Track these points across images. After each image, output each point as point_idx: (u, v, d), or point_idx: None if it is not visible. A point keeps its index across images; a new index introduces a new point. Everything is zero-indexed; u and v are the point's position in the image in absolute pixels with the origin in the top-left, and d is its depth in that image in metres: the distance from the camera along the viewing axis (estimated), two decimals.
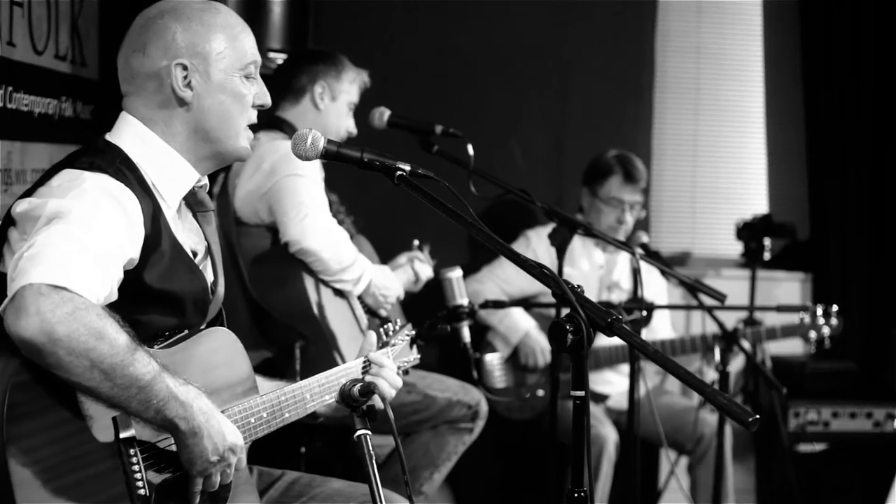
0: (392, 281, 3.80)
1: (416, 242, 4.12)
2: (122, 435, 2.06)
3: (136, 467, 2.08)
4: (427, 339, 2.89)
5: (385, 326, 2.75)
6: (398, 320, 2.82)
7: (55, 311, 1.94)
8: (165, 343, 2.26)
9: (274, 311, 3.57)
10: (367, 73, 3.92)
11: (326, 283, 3.65)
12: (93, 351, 1.97)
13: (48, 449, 1.99)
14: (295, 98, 3.81)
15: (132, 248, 2.18)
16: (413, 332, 2.84)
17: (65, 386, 2.01)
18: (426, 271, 4.04)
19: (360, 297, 3.78)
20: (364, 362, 2.63)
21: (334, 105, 3.84)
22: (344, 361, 3.53)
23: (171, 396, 2.07)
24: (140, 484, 2.08)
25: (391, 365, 2.64)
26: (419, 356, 2.88)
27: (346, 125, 3.86)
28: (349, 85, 3.85)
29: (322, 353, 3.54)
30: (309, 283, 3.62)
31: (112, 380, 2.00)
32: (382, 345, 2.72)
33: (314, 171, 3.69)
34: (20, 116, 3.20)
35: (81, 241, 2.05)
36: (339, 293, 3.70)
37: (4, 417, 1.93)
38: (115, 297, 2.13)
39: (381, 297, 3.77)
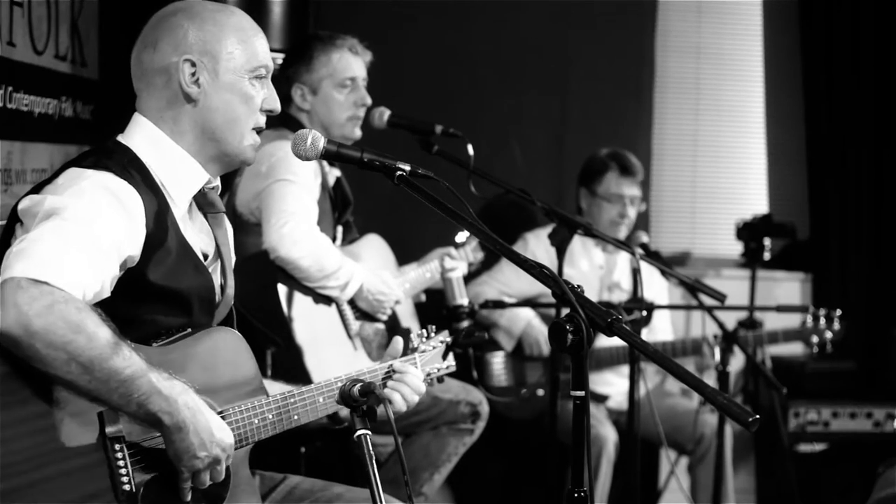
0: (389, 286, 3.77)
1: (461, 238, 4.11)
2: (108, 430, 2.07)
3: (121, 463, 2.08)
4: (462, 347, 2.85)
5: (419, 332, 2.71)
6: (433, 326, 2.78)
7: (32, 304, 1.95)
8: (166, 341, 2.26)
9: (251, 315, 3.55)
10: (350, 38, 3.81)
11: (311, 290, 3.64)
12: (70, 344, 1.98)
13: (26, 441, 1.99)
14: (287, 107, 3.78)
15: (131, 246, 2.18)
16: (449, 340, 2.79)
17: (45, 379, 2.02)
18: (453, 266, 3.98)
19: (354, 302, 3.76)
20: (387, 369, 2.59)
21: (319, 97, 3.79)
22: (311, 370, 3.53)
23: (153, 391, 2.07)
24: (125, 479, 2.08)
25: (416, 372, 2.58)
26: (454, 364, 2.81)
27: (342, 107, 3.77)
28: (327, 68, 3.77)
29: (293, 360, 3.53)
30: (284, 291, 3.60)
31: (90, 373, 2.01)
32: (410, 351, 2.68)
33: (307, 176, 3.67)
34: (20, 116, 3.21)
35: (73, 237, 2.06)
36: (327, 298, 3.69)
37: None
38: (107, 293, 2.13)
39: (375, 301, 3.75)
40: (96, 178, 2.18)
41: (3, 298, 1.96)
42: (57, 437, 2.04)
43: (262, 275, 3.60)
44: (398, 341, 2.65)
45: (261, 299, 3.58)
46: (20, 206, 2.17)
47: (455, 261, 3.93)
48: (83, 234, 2.08)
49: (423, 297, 4.12)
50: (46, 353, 1.97)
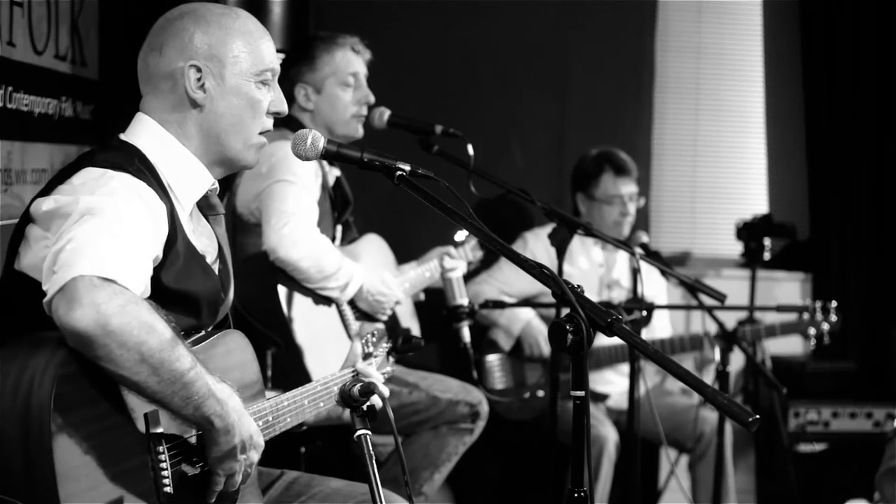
0: (389, 286, 3.77)
1: (460, 237, 4.11)
2: (152, 431, 2.07)
3: (163, 464, 2.08)
4: (401, 352, 2.89)
5: (366, 337, 2.76)
6: (375, 331, 2.82)
7: (109, 303, 1.94)
8: (186, 342, 2.26)
9: (252, 316, 3.55)
10: (351, 37, 3.83)
11: (311, 290, 3.64)
12: (143, 345, 1.98)
13: (91, 441, 1.99)
14: (289, 107, 3.77)
15: (157, 247, 2.19)
16: (389, 345, 2.85)
17: (108, 378, 2.02)
18: (453, 266, 4.01)
19: (354, 303, 3.76)
20: (353, 372, 2.65)
21: (323, 96, 3.80)
22: (311, 370, 3.53)
23: (209, 394, 2.09)
24: (166, 481, 2.09)
25: (378, 376, 2.65)
26: (394, 368, 2.89)
27: (347, 106, 3.79)
28: (330, 66, 3.79)
29: (294, 361, 3.53)
30: (284, 291, 3.60)
31: (159, 374, 2.01)
32: (366, 355, 2.73)
33: (307, 177, 3.66)
34: (20, 116, 3.20)
35: (119, 237, 2.05)
36: (327, 299, 3.69)
37: (52, 409, 1.94)
38: (149, 293, 2.13)
39: (374, 302, 3.75)
40: (120, 178, 2.18)
41: (77, 296, 1.94)
42: (117, 437, 2.05)
43: (262, 275, 3.60)
44: (357, 346, 2.70)
45: (261, 300, 3.58)
46: (41, 208, 2.15)
47: (455, 260, 3.93)
48: (126, 234, 2.07)
49: (423, 297, 4.13)
50: (119, 354, 1.96)
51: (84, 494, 1.96)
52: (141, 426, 2.07)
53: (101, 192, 2.12)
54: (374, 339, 2.78)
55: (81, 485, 1.96)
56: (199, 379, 2.07)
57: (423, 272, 4.00)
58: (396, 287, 3.80)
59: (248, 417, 2.20)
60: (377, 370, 2.72)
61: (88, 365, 1.99)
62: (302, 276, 3.60)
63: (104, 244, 2.01)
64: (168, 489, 2.08)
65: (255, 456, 2.22)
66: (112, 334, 1.94)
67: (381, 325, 3.80)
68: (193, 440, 2.19)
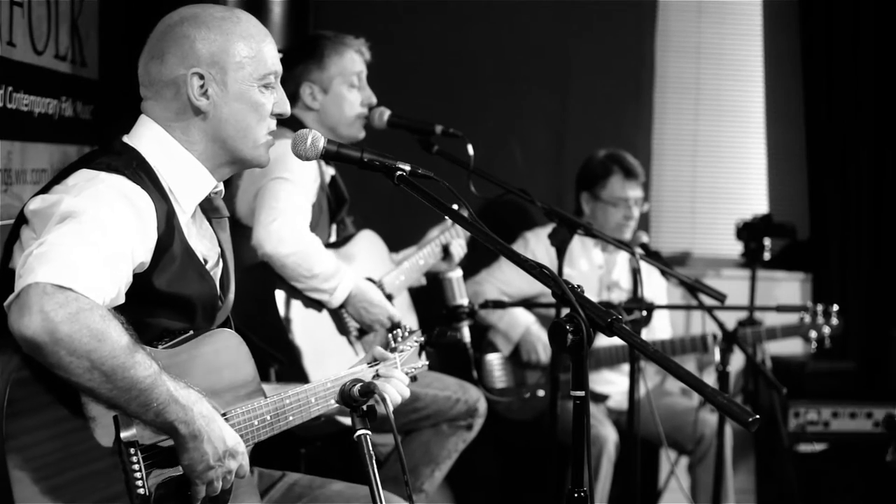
0: (373, 304, 3.72)
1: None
2: (123, 434, 2.07)
3: (136, 466, 2.08)
4: (436, 346, 2.87)
5: (394, 332, 2.73)
6: (407, 326, 2.80)
7: (58, 311, 1.94)
8: (170, 343, 2.26)
9: (254, 335, 3.53)
10: (356, 38, 3.84)
11: (309, 299, 3.63)
12: (94, 352, 1.97)
13: (47, 445, 2.00)
14: (293, 105, 3.77)
15: (143, 252, 2.18)
16: (422, 339, 2.82)
17: (65, 384, 2.01)
18: (459, 248, 3.98)
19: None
20: (373, 366, 2.61)
21: (330, 96, 3.80)
22: (312, 376, 3.51)
23: (171, 400, 2.08)
24: (140, 483, 2.08)
25: (401, 376, 2.60)
26: (427, 363, 2.84)
27: (353, 105, 3.79)
28: (338, 66, 3.79)
29: (297, 376, 3.51)
30: (282, 299, 3.59)
31: (112, 381, 2.01)
32: (391, 351, 2.69)
33: (304, 176, 3.64)
34: (20, 116, 3.20)
35: (92, 242, 2.05)
36: (326, 307, 3.67)
37: (4, 413, 1.94)
38: (122, 299, 2.13)
39: (362, 310, 3.72)
40: (111, 181, 2.18)
41: (28, 303, 1.95)
42: (76, 442, 2.04)
43: (258, 293, 3.55)
44: (382, 340, 2.66)
45: (261, 319, 3.53)
46: (30, 207, 2.16)
47: (455, 238, 3.95)
48: (102, 239, 2.07)
49: (424, 281, 4.10)
50: (69, 361, 1.97)
51: (41, 497, 1.96)
52: (100, 431, 2.06)
53: (85, 194, 2.13)
54: (403, 334, 2.74)
55: (38, 489, 1.97)
56: (160, 385, 2.06)
57: (417, 260, 3.99)
58: (385, 303, 3.75)
59: (220, 423, 2.17)
60: (404, 366, 2.67)
61: (44, 370, 1.99)
62: (289, 274, 3.57)
63: (70, 250, 2.02)
64: (142, 491, 2.08)
65: (233, 464, 2.20)
66: (61, 342, 1.95)
67: (381, 331, 3.79)
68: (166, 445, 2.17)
